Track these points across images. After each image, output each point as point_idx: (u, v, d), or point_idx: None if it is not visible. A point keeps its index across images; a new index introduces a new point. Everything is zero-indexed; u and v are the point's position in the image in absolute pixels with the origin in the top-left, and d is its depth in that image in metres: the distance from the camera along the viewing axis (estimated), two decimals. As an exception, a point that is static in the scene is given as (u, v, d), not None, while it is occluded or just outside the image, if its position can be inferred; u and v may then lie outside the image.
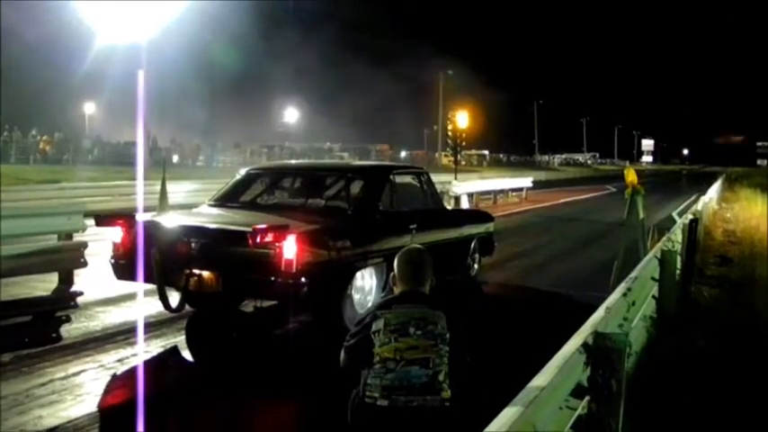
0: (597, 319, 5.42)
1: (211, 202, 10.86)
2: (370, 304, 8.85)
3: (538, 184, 43.34)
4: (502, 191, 35.77)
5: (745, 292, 12.08)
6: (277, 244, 7.86)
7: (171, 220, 9.38)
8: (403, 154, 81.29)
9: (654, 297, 9.01)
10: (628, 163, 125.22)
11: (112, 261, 9.37)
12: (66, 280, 10.82)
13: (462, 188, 30.91)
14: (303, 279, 8.03)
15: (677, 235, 12.26)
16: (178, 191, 22.83)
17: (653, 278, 8.96)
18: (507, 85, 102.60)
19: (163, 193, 15.09)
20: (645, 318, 8.22)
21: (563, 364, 4.32)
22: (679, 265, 10.53)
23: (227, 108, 63.13)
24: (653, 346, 7.97)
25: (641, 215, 14.46)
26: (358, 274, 9.19)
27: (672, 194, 39.71)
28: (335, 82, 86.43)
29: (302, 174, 11.86)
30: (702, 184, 41.28)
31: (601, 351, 4.62)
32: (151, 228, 8.89)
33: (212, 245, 8.45)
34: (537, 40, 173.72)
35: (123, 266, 9.22)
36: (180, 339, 9.06)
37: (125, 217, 9.25)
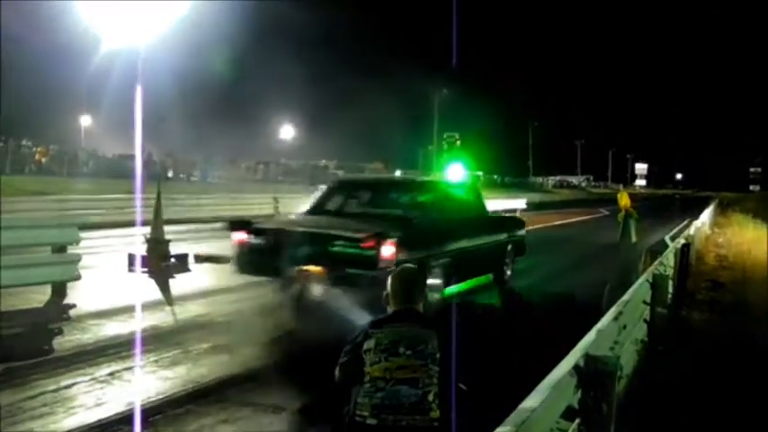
0: (589, 341, 5.44)
1: (310, 210, 13.84)
2: (437, 296, 12.05)
3: (531, 206, 43.41)
4: (495, 212, 35.75)
5: (737, 317, 12.14)
6: (377, 247, 10.50)
7: (287, 226, 12.40)
8: (398, 173, 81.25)
9: (645, 321, 9.05)
10: (621, 186, 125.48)
11: (236, 259, 12.26)
12: (60, 292, 10.82)
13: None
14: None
15: (669, 259, 12.31)
16: (173, 205, 22.83)
17: (644, 302, 9.01)
18: (502, 106, 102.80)
19: (158, 209, 15.08)
20: (636, 341, 8.25)
21: (554, 385, 4.34)
22: (671, 289, 10.59)
23: (223, 123, 63.30)
24: (644, 370, 8.00)
25: (634, 238, 14.54)
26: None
27: (665, 218, 39.76)
28: (331, 99, 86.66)
29: (378, 186, 15.35)
30: (695, 209, 41.35)
31: (592, 374, 4.66)
32: (271, 232, 11.94)
33: (324, 246, 10.88)
34: (533, 62, 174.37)
35: (245, 263, 12.19)
36: (173, 354, 9.05)
37: (248, 223, 12.44)
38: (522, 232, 16.59)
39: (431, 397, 3.59)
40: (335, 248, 10.90)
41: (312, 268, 10.76)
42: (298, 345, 9.78)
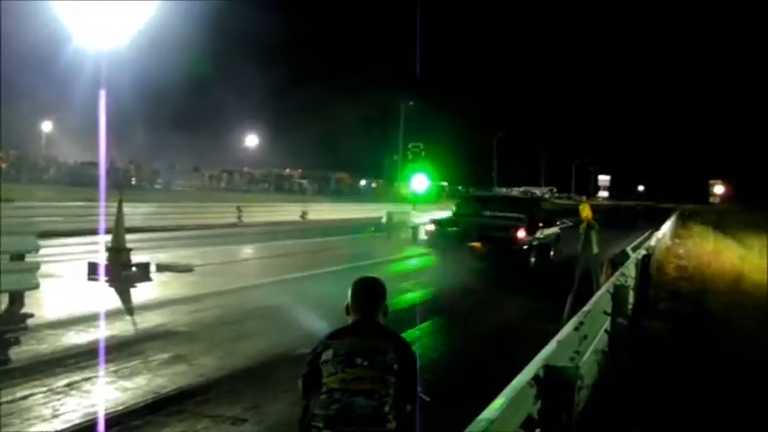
0: (548, 352, 5.43)
1: (455, 212, 23.66)
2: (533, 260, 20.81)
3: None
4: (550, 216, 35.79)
5: (696, 328, 12.25)
6: (516, 233, 19.66)
7: (458, 221, 21.75)
8: (362, 182, 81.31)
9: (606, 331, 9.09)
10: (585, 197, 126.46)
11: (429, 240, 22.15)
12: (17, 301, 10.63)
13: (421, 218, 30.99)
14: (524, 247, 19.93)
15: (630, 270, 12.38)
16: (135, 213, 22.62)
17: (606, 312, 9.04)
18: (467, 118, 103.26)
19: (119, 217, 14.96)
20: (597, 351, 8.27)
21: (514, 396, 4.34)
22: (632, 299, 10.66)
23: (187, 131, 62.86)
24: (605, 380, 8.03)
25: (595, 249, 14.61)
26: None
27: (627, 230, 40.07)
28: (296, 108, 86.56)
29: (494, 199, 28.09)
30: (657, 220, 41.72)
31: (552, 384, 4.66)
32: (449, 223, 21.87)
33: (483, 232, 19.97)
34: (498, 74, 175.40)
35: (434, 243, 21.52)
36: (133, 364, 8.95)
37: (437, 220, 22.50)
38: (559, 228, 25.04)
39: (387, 408, 3.55)
40: (491, 234, 19.87)
41: (476, 244, 19.80)
42: (259, 355, 9.75)
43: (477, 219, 21.42)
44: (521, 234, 19.73)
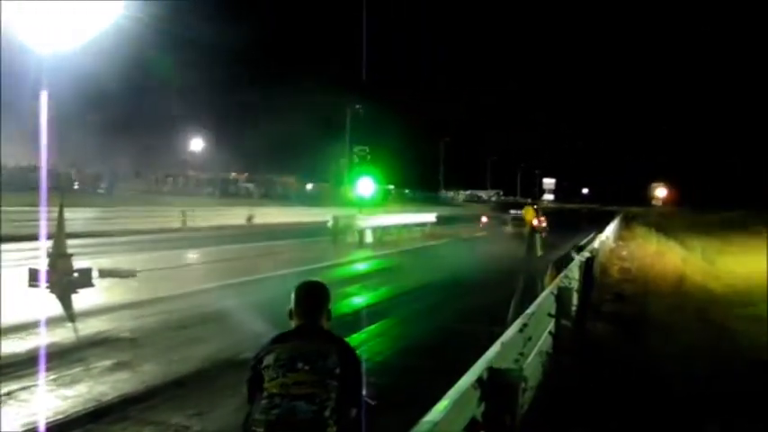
0: (492, 354, 5.44)
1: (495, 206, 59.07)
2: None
3: (442, 220, 43.75)
4: (406, 226, 35.95)
5: (638, 329, 12.40)
6: (535, 220, 31.42)
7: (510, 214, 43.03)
8: (309, 186, 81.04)
9: (551, 333, 9.14)
10: (529, 201, 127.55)
11: (484, 225, 46.07)
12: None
13: (367, 222, 31.01)
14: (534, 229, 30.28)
15: (574, 272, 12.47)
16: (77, 218, 22.29)
17: (550, 314, 9.10)
18: (414, 121, 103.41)
19: (60, 223, 14.69)
20: (541, 353, 8.31)
21: (457, 398, 4.33)
22: (575, 301, 10.75)
23: (130, 135, 61.84)
24: (549, 381, 8.09)
25: (539, 252, 14.76)
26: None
27: (572, 232, 40.54)
28: (242, 112, 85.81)
29: (513, 204, 54.63)
30: (601, 223, 42.30)
31: (495, 386, 4.68)
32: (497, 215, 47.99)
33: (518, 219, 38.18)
34: (444, 78, 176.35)
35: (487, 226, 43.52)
36: (74, 371, 8.80)
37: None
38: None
39: (327, 413, 3.52)
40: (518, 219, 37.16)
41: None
42: (203, 360, 9.65)
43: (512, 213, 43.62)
44: (536, 221, 31.41)
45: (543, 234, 31.98)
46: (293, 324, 3.92)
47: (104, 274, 15.72)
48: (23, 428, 6.78)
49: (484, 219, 47.71)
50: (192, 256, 23.53)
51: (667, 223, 56.42)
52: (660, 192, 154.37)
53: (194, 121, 76.12)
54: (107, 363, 9.28)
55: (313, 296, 3.98)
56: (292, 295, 3.95)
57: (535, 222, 30.63)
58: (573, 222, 55.94)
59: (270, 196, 66.20)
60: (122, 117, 61.44)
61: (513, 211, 43.29)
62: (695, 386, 8.65)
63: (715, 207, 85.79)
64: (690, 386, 8.64)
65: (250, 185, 71.53)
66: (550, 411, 7.12)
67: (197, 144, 78.10)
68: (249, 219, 39.43)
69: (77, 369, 8.92)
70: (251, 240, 28.11)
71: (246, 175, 77.16)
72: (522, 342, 6.74)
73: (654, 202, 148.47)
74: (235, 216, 39.44)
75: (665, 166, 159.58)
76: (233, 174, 77.00)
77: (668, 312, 14.00)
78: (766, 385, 9.01)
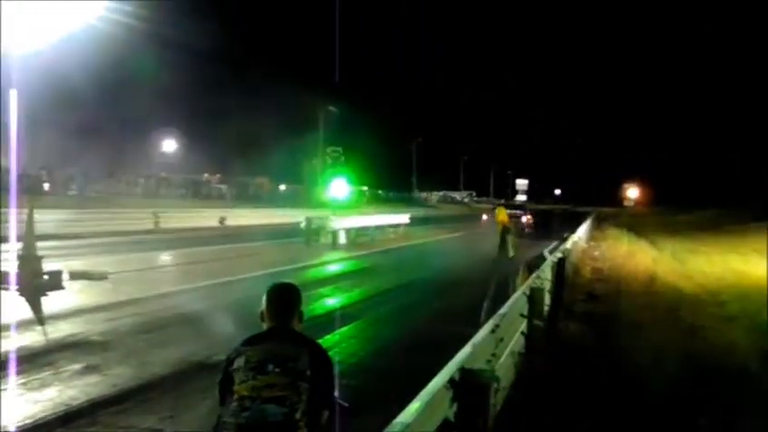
0: (464, 355, 5.44)
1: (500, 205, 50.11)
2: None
3: (415, 221, 43.83)
4: (380, 227, 35.95)
5: (610, 329, 12.48)
6: (524, 217, 46.40)
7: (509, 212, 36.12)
8: (282, 187, 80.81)
9: (523, 333, 9.17)
10: (503, 202, 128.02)
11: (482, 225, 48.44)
12: None
13: (340, 223, 30.98)
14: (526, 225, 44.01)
15: (546, 273, 12.53)
16: (48, 220, 22.08)
17: (522, 315, 9.13)
18: (387, 122, 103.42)
19: (30, 224, 14.52)
20: (514, 354, 8.34)
21: (429, 399, 4.33)
22: (548, 302, 10.80)
23: (102, 136, 61.29)
24: (521, 382, 8.11)
25: (511, 253, 14.80)
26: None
27: (544, 233, 40.76)
28: (214, 113, 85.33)
29: (514, 206, 58.40)
30: (573, 223, 42.58)
31: (468, 387, 4.68)
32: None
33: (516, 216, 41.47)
34: (417, 78, 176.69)
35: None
36: (43, 375, 8.71)
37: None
38: None
39: (298, 415, 3.50)
40: (514, 217, 37.54)
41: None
42: (175, 363, 9.60)
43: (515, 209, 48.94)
44: (524, 218, 45.46)
45: (528, 230, 44.47)
46: (265, 326, 3.90)
47: (75, 276, 15.53)
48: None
49: (484, 217, 56.00)
50: (165, 258, 23.38)
51: (639, 223, 56.89)
52: (632, 192, 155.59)
53: (166, 122, 75.68)
54: (77, 366, 9.20)
55: (284, 298, 3.96)
56: (263, 297, 3.94)
57: (523, 219, 46.34)
58: (546, 223, 56.23)
59: (243, 197, 65.92)
60: (94, 118, 60.88)
61: (508, 212, 48.91)
62: (667, 385, 8.72)
63: (686, 207, 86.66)
64: (661, 385, 8.70)
65: (223, 187, 71.16)
66: (523, 411, 7.15)
67: (169, 145, 77.64)
68: (222, 220, 39.26)
69: (47, 373, 8.83)
70: (224, 242, 27.99)
71: (219, 176, 76.76)
72: (495, 343, 6.76)
73: (626, 202, 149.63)
74: (207, 218, 39.24)
75: (636, 166, 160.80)
76: (205, 175, 76.57)
77: (640, 312, 14.10)
78: (736, 383, 9.11)
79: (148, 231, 32.19)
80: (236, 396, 3.55)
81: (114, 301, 13.78)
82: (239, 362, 3.64)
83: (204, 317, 12.53)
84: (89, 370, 9.06)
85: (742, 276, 21.80)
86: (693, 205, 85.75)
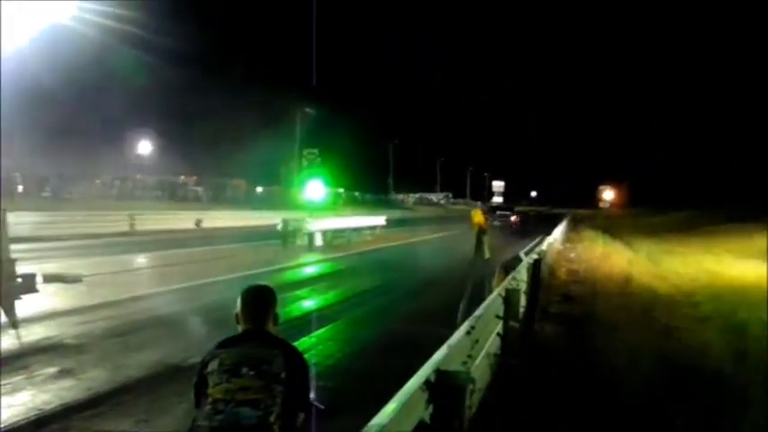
0: (440, 356, 5.45)
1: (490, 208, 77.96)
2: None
3: (392, 223, 43.86)
4: (356, 229, 35.94)
5: (585, 330, 12.54)
6: (513, 217, 65.20)
7: (497, 213, 65.61)
8: (259, 189, 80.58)
9: (499, 335, 9.19)
10: (479, 203, 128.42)
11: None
12: None
13: (317, 225, 30.94)
14: (514, 223, 62.59)
15: (522, 274, 12.57)
16: (22, 222, 21.92)
17: (498, 316, 9.16)
18: (364, 124, 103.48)
19: (2, 228, 14.39)
20: (489, 355, 8.36)
21: (405, 401, 4.33)
22: (523, 303, 10.83)
23: (77, 137, 60.85)
24: (497, 383, 8.14)
25: (487, 254, 14.82)
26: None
27: (520, 234, 40.96)
28: (191, 114, 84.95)
29: (501, 207, 79.67)
30: (549, 225, 42.74)
31: (443, 388, 4.69)
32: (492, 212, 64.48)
33: (504, 216, 64.19)
34: (392, 80, 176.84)
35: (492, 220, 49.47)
36: (17, 379, 8.64)
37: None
38: None
39: (272, 418, 3.49)
40: (503, 214, 64.42)
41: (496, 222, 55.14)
42: (150, 366, 9.55)
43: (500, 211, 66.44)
44: (513, 218, 60.95)
45: (515, 226, 56.44)
46: (240, 328, 3.89)
47: (49, 279, 15.43)
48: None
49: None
50: (140, 260, 23.25)
51: (614, 225, 57.20)
52: (607, 194, 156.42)
53: (142, 123, 75.34)
54: (51, 370, 9.13)
55: (259, 300, 3.96)
56: (238, 299, 3.93)
57: (512, 219, 61.84)
58: (522, 225, 56.65)
59: (219, 199, 65.74)
60: (69, 120, 60.47)
61: (499, 212, 66.27)
62: (642, 385, 8.77)
63: (662, 209, 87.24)
64: (637, 385, 8.75)
65: (199, 189, 70.91)
66: (499, 412, 7.17)
67: (145, 147, 77.26)
68: (198, 222, 39.12)
69: (20, 377, 8.75)
70: (200, 244, 27.88)
71: (195, 178, 76.43)
72: (470, 344, 6.78)
73: (601, 204, 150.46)
74: (183, 220, 39.08)
75: (612, 168, 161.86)
76: (182, 177, 76.22)
77: (615, 313, 14.16)
78: (710, 383, 9.18)
79: (124, 234, 32.04)
80: (210, 399, 3.53)
81: (89, 303, 13.69)
82: (213, 365, 3.63)
83: (180, 319, 12.48)
84: (63, 374, 9.00)
85: (716, 277, 21.97)
86: (668, 207, 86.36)
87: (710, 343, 11.86)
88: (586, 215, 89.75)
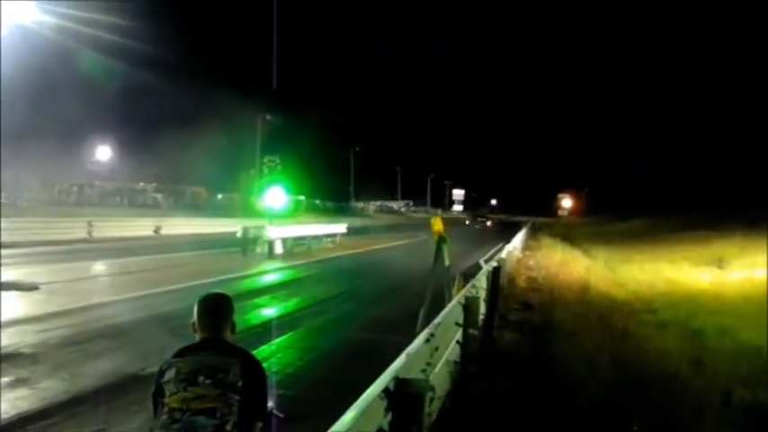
0: (399, 364, 5.46)
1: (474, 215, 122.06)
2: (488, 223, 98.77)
3: (352, 231, 43.83)
4: (317, 237, 35.83)
5: (544, 337, 12.63)
6: (488, 222, 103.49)
7: (478, 219, 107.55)
8: (219, 196, 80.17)
9: (458, 342, 9.24)
10: (440, 211, 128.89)
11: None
12: None
13: (277, 233, 30.83)
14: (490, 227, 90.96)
15: (482, 282, 12.64)
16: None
17: (457, 323, 9.20)
18: (325, 132, 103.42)
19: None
20: (449, 363, 8.39)
21: (364, 409, 4.33)
22: (483, 310, 10.88)
23: (34, 143, 60.11)
24: (456, 391, 8.17)
25: (447, 262, 14.86)
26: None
27: (481, 242, 41.15)
28: (150, 120, 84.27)
29: (484, 214, 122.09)
30: (509, 233, 42.98)
31: (402, 396, 4.69)
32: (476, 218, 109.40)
33: (481, 221, 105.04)
34: (354, 89, 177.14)
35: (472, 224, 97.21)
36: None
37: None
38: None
39: (229, 427, 3.48)
40: (482, 220, 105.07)
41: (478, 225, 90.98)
42: (107, 375, 9.45)
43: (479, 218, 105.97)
44: (488, 223, 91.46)
45: (490, 230, 60.22)
46: (197, 337, 3.87)
47: (5, 287, 15.27)
48: None
49: (468, 222, 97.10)
50: (98, 267, 23.00)
51: (573, 233, 57.74)
52: (566, 202, 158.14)
53: (101, 129, 74.61)
54: (5, 379, 8.99)
55: (216, 308, 3.93)
56: (195, 308, 3.91)
57: (488, 224, 74.48)
58: (483, 233, 56.81)
59: (179, 206, 65.23)
60: (26, 125, 59.71)
61: (479, 219, 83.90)
62: (600, 391, 8.86)
63: (620, 216, 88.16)
64: (595, 391, 8.84)
65: (158, 195, 70.32)
66: (458, 420, 7.20)
67: (104, 153, 76.52)
68: (157, 230, 38.82)
69: (-26, 387, 8.63)
70: (159, 252, 27.64)
71: (155, 184, 75.79)
72: (430, 352, 6.80)
73: (560, 212, 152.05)
74: (142, 227, 38.76)
75: (571, 177, 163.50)
76: (141, 183, 75.54)
77: (573, 320, 14.29)
78: (668, 388, 9.30)
79: (82, 240, 31.69)
80: (166, 408, 3.51)
81: (46, 312, 13.52)
82: (170, 374, 3.60)
83: (138, 328, 12.37)
84: (18, 383, 8.87)
85: (673, 284, 22.26)
86: (627, 214, 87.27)
87: (668, 349, 12.03)
88: (546, 223, 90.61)
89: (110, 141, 76.77)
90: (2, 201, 49.75)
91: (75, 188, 64.25)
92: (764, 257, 25.48)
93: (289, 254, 30.22)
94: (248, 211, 53.99)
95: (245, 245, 29.35)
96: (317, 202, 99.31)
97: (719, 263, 27.37)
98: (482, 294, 11.39)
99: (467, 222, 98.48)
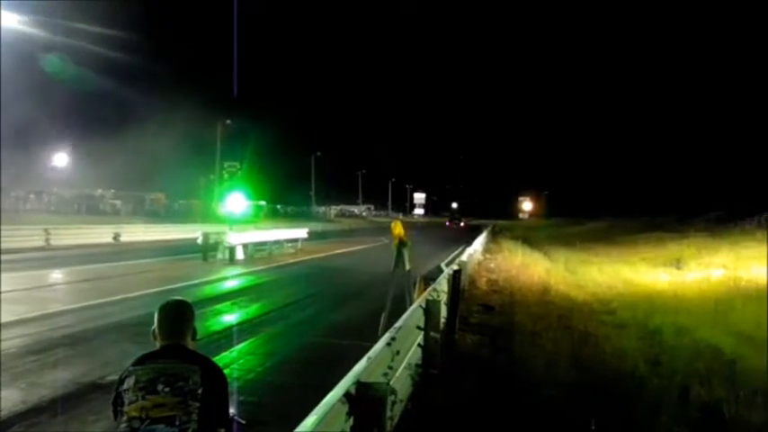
0: (360, 368, 5.48)
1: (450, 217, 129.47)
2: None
3: (314, 235, 43.72)
4: (277, 242, 35.69)
5: (505, 339, 12.72)
6: (462, 223, 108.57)
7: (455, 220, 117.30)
8: (179, 202, 79.62)
9: (420, 345, 9.27)
10: (401, 215, 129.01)
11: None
12: None
13: (237, 238, 30.66)
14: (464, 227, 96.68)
15: (443, 285, 12.69)
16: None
17: (418, 327, 9.23)
18: (286, 136, 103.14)
19: None
20: (410, 366, 8.42)
21: (325, 413, 4.34)
22: (444, 314, 10.93)
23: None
24: (418, 394, 8.20)
25: (408, 266, 14.91)
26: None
27: (442, 245, 41.23)
28: (109, 126, 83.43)
29: (456, 218, 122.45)
30: (470, 236, 43.15)
31: (363, 400, 4.71)
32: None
33: (456, 219, 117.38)
34: (313, 92, 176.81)
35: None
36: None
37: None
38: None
39: None
40: (456, 220, 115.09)
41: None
42: (66, 384, 9.36)
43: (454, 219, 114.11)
44: (462, 224, 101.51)
45: (464, 230, 63.29)
46: (158, 344, 3.85)
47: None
48: None
49: (447, 223, 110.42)
50: (57, 276, 22.73)
51: (533, 236, 58.15)
52: (526, 205, 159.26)
53: (59, 135, 73.80)
54: (-38, 390, 8.87)
55: (176, 315, 3.91)
56: (155, 315, 3.88)
57: (462, 224, 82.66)
58: (444, 236, 56.97)
59: (138, 213, 64.70)
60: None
61: (454, 220, 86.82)
62: (560, 391, 8.95)
63: (579, 219, 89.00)
64: (555, 391, 8.93)
65: (117, 202, 69.63)
66: (420, 423, 7.23)
67: (61, 159, 75.65)
68: (116, 236, 38.48)
69: (-71, 398, 8.49)
70: (118, 259, 27.37)
71: (113, 191, 75.04)
72: (391, 355, 6.82)
73: (521, 215, 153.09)
74: (101, 234, 38.39)
75: (531, 179, 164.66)
76: (99, 190, 74.74)
77: (534, 321, 14.41)
78: (626, 387, 9.42)
79: (39, 248, 31.31)
80: (125, 417, 3.49)
81: (3, 321, 13.32)
82: (129, 382, 3.58)
83: (97, 336, 12.25)
84: (-25, 393, 8.75)
85: (631, 285, 22.54)
86: (586, 217, 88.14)
87: (627, 349, 12.18)
88: (506, 226, 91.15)
89: (67, 148, 75.94)
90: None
91: (32, 195, 63.41)
92: (721, 257, 25.91)
93: (250, 259, 30.09)
94: (209, 216, 53.67)
95: (206, 251, 29.16)
96: (278, 207, 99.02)
97: (677, 263, 27.80)
98: (443, 297, 11.44)
99: (446, 224, 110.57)
